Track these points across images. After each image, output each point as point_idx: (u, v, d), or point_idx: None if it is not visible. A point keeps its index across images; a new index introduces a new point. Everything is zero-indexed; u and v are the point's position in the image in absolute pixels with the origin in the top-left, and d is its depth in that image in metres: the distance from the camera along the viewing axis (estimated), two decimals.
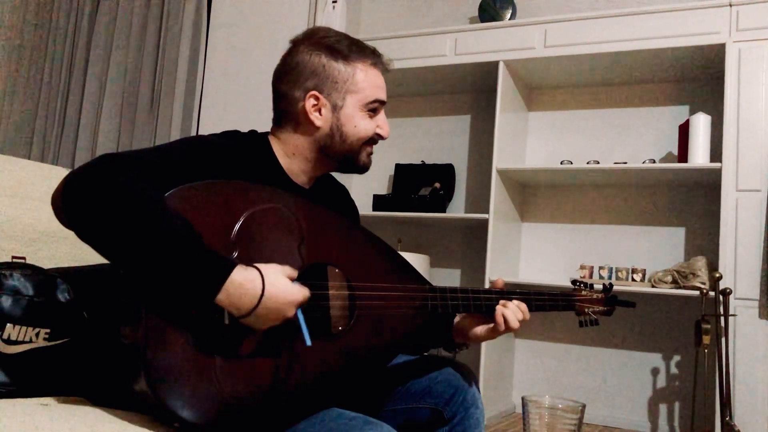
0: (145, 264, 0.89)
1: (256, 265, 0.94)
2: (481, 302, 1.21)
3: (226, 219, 0.98)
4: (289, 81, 1.18)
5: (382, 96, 1.21)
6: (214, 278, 0.89)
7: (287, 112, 1.19)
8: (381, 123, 1.22)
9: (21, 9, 3.93)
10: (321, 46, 1.17)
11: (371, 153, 1.23)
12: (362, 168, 1.24)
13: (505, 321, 1.19)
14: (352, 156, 1.21)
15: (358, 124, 1.18)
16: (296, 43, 1.21)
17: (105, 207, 0.88)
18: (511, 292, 1.24)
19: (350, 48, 1.18)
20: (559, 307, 1.32)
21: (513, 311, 1.20)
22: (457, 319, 1.29)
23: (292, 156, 1.20)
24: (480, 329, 1.24)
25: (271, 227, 1.02)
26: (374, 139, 1.22)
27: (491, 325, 1.21)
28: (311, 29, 1.23)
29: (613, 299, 1.37)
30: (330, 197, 1.30)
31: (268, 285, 0.93)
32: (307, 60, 1.17)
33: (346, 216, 1.21)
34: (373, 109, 1.20)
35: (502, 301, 1.21)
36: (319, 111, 1.17)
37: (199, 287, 0.89)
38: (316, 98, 1.16)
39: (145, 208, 0.89)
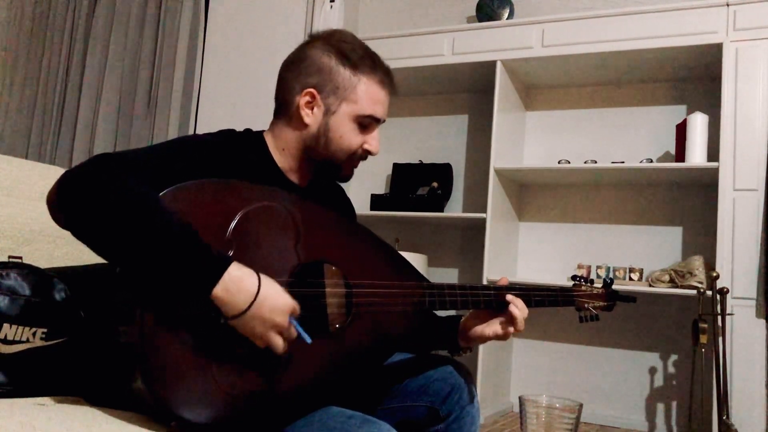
0: (142, 260, 0.89)
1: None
2: (480, 298, 1.19)
3: (222, 218, 0.97)
4: (293, 71, 1.18)
5: (379, 113, 1.19)
6: (212, 271, 0.89)
7: (283, 103, 1.19)
8: (370, 139, 1.20)
9: (17, 9, 3.92)
10: (334, 49, 1.17)
11: (356, 166, 1.22)
12: (342, 179, 1.23)
13: (515, 321, 1.18)
14: (333, 164, 1.19)
15: (344, 135, 1.17)
16: (314, 38, 1.20)
17: (100, 205, 0.88)
18: (511, 287, 1.22)
19: (363, 59, 1.17)
20: (558, 303, 1.29)
21: (521, 310, 1.19)
22: (461, 320, 1.27)
23: (282, 152, 1.19)
24: (486, 329, 1.22)
25: (267, 225, 1.01)
26: (361, 154, 1.20)
27: (499, 328, 1.20)
28: (335, 30, 1.22)
29: (614, 294, 1.36)
30: (326, 195, 1.29)
31: (264, 285, 0.92)
32: (318, 57, 1.16)
33: (342, 214, 1.20)
34: (364, 124, 1.18)
35: (509, 297, 1.19)
36: (312, 109, 1.16)
37: (196, 281, 0.89)
38: (312, 96, 1.16)
39: (140, 205, 0.89)
